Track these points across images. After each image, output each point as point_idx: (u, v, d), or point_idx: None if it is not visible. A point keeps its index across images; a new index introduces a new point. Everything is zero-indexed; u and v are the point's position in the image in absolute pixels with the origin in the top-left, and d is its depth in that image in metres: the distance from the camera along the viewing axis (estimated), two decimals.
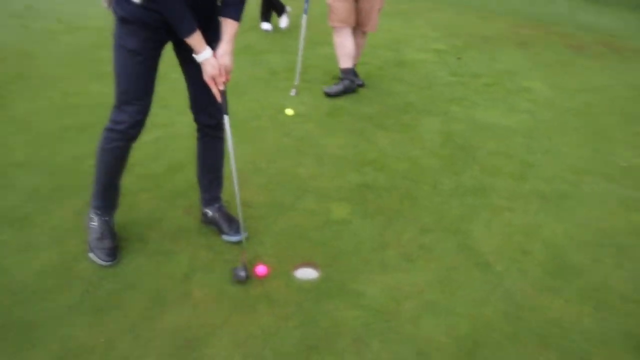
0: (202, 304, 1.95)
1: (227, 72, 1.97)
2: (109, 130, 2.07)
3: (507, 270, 2.27)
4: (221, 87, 1.97)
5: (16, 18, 6.65)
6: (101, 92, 3.87)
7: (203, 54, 1.89)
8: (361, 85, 4.38)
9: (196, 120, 2.26)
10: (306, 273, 2.17)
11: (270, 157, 3.13)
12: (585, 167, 3.27)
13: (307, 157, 3.15)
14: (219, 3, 1.99)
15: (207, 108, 2.17)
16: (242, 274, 2.05)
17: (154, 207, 2.56)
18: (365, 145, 3.36)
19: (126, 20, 1.90)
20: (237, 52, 5.09)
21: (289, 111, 3.76)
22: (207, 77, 1.95)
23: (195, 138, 2.32)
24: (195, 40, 1.86)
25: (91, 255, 2.13)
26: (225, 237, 2.32)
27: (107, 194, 2.22)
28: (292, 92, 4.18)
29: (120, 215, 2.33)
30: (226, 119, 2.05)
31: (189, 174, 2.70)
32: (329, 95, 4.13)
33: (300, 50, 4.32)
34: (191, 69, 2.04)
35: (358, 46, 4.28)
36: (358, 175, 2.97)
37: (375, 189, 2.83)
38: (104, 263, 2.10)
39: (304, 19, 4.31)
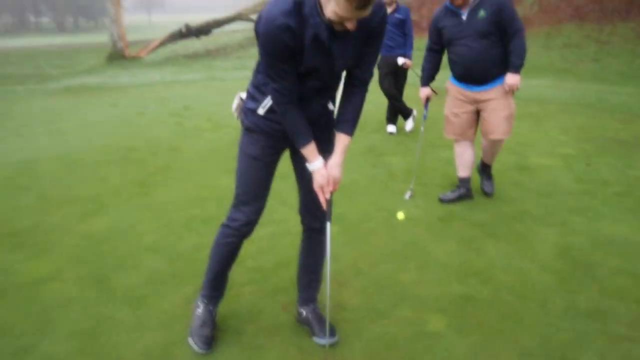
0: None
1: (336, 183, 2.12)
2: (225, 226, 2.30)
3: None
4: (327, 196, 2.12)
5: (174, 116, 7.72)
6: (229, 186, 4.21)
7: (315, 164, 2.08)
8: (487, 193, 4.32)
9: (302, 221, 2.43)
10: None
11: (375, 260, 3.18)
12: None
13: (412, 262, 3.15)
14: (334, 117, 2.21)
15: (314, 211, 2.32)
16: None
17: (256, 300, 2.72)
18: (472, 254, 3.27)
19: (250, 129, 2.17)
20: (360, 153, 5.44)
21: (401, 215, 3.80)
22: (316, 186, 2.11)
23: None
24: (309, 150, 2.06)
25: (190, 340, 2.31)
26: (315, 339, 2.37)
27: (216, 285, 2.42)
28: (407, 196, 4.25)
29: (223, 305, 2.51)
30: (328, 226, 2.18)
31: (295, 270, 2.84)
32: (443, 201, 4.14)
33: (417, 155, 4.45)
34: (303, 175, 2.24)
35: (488, 151, 4.18)
36: (461, 285, 2.88)
37: (477, 302, 2.72)
38: (200, 351, 2.26)
39: (422, 125, 4.48)
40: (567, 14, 16.74)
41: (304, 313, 2.48)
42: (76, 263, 3.10)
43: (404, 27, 6.03)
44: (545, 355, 2.31)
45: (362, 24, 1.88)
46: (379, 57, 6.21)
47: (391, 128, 6.53)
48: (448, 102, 4.08)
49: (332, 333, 2.31)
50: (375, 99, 7.16)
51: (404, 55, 6.06)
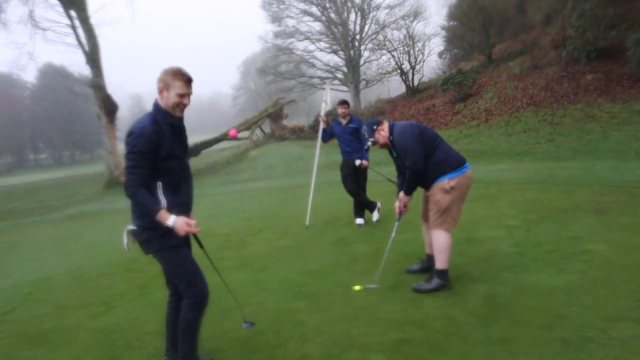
0: None
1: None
2: (194, 302, 3.08)
3: None
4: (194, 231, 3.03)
5: None
6: (216, 281, 5.01)
7: (172, 218, 2.89)
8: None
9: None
10: None
11: (333, 322, 3.90)
12: (619, 315, 3.52)
13: (362, 321, 3.87)
14: None
15: None
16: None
17: (236, 359, 3.42)
18: (413, 309, 4.00)
19: (166, 232, 2.94)
20: (330, 244, 6.24)
21: (357, 287, 4.56)
22: (185, 227, 2.92)
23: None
24: (163, 213, 2.89)
25: None
26: None
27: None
28: (372, 286, 4.64)
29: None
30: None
31: (268, 337, 3.57)
32: (409, 272, 4.92)
33: (385, 255, 4.88)
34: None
35: (433, 242, 4.58)
36: (399, 332, 3.60)
37: (411, 342, 3.43)
38: None
39: (395, 226, 4.84)
40: (524, 102, 18.43)
41: None
42: (92, 350, 3.81)
43: (358, 134, 7.12)
44: None
45: None
46: (341, 160, 7.29)
47: (359, 221, 7.39)
48: None
49: None
50: (345, 197, 8.14)
51: (361, 158, 7.08)
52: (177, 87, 2.97)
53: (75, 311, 4.76)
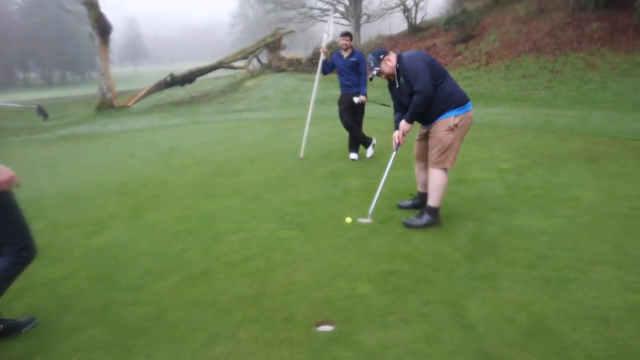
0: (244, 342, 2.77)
1: None
2: (28, 260, 2.97)
3: (488, 331, 2.79)
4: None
5: (161, 156, 8.57)
6: (209, 207, 5.11)
7: None
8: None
9: None
10: (324, 327, 2.91)
11: (322, 251, 3.99)
12: (600, 259, 3.62)
13: (351, 251, 3.96)
14: None
15: None
16: None
17: (226, 281, 3.51)
18: (402, 243, 4.09)
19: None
20: (323, 177, 6.31)
21: (348, 219, 4.63)
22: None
23: None
24: None
25: None
26: None
27: None
28: (365, 220, 4.63)
29: (204, 284, 3.29)
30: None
31: (258, 262, 3.66)
32: (400, 207, 4.99)
33: (379, 188, 4.73)
34: None
35: (429, 181, 4.56)
36: (387, 264, 3.69)
37: (398, 274, 3.53)
38: None
39: (392, 157, 4.75)
40: (526, 47, 18.09)
41: None
42: (85, 267, 3.89)
43: (358, 68, 7.00)
44: (443, 302, 3.12)
45: None
46: (340, 94, 7.21)
47: (353, 155, 7.40)
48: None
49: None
50: (340, 132, 8.11)
51: (359, 93, 6.99)
52: None
53: (68, 229, 4.82)
